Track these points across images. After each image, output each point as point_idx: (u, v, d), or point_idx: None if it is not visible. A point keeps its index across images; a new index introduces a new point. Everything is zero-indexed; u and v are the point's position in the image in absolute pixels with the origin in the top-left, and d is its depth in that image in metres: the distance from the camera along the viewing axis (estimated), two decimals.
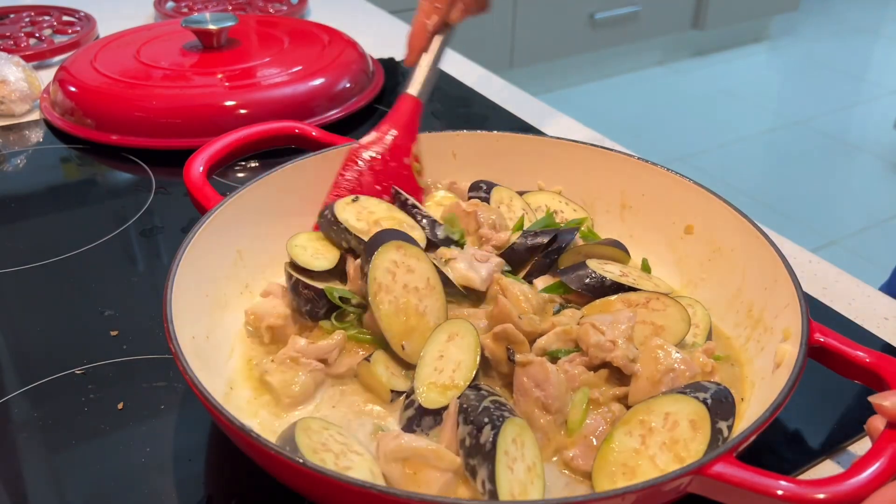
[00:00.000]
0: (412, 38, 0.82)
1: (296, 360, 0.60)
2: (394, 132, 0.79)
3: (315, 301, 0.64)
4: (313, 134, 0.81)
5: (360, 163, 0.77)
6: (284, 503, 0.54)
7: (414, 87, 0.82)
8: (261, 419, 0.58)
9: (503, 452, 0.50)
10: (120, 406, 0.62)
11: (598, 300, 0.65)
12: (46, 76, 1.14)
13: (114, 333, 0.69)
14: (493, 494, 0.48)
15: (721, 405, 0.53)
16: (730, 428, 0.53)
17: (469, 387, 0.56)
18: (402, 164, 0.78)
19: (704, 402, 0.52)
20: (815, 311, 0.71)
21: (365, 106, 1.10)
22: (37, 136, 1.05)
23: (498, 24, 3.02)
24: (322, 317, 0.64)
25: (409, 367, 0.60)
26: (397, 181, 0.77)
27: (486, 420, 0.51)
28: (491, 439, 0.50)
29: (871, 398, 0.50)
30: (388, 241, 0.62)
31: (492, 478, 0.49)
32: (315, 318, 0.64)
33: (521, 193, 0.79)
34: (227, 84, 1.03)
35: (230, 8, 1.47)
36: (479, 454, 0.50)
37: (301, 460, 0.45)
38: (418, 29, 0.81)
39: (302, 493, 0.51)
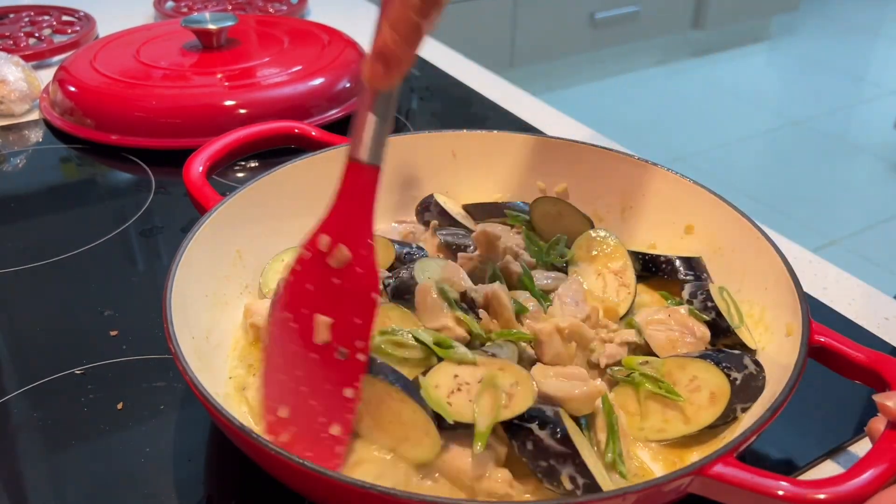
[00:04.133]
0: (393, 44, 0.48)
1: None
2: (345, 252, 0.52)
3: None
4: (313, 134, 0.81)
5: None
6: (284, 503, 0.54)
7: (363, 147, 0.52)
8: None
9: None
10: (120, 406, 0.62)
11: None
12: (46, 76, 1.14)
13: (114, 333, 0.69)
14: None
15: (747, 388, 0.55)
16: (744, 410, 0.54)
17: None
18: (357, 276, 0.52)
19: (733, 381, 0.54)
20: (815, 311, 0.71)
21: None
22: (36, 136, 1.05)
23: (498, 24, 3.02)
24: None
25: None
26: (350, 303, 0.52)
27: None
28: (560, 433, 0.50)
29: (875, 396, 0.50)
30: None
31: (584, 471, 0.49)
32: None
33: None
34: (226, 84, 1.03)
35: (230, 8, 1.47)
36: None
37: (301, 460, 0.45)
38: (408, 30, 0.47)
39: (302, 493, 0.51)
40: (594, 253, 0.71)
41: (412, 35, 0.48)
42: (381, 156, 0.52)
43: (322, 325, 0.51)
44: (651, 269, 0.71)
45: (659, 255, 0.70)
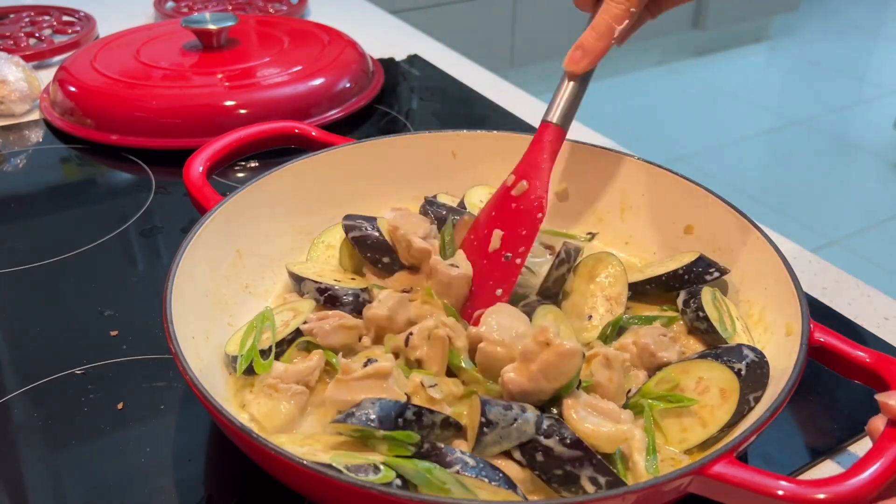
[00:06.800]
0: (591, 40, 0.67)
1: (274, 386, 0.56)
2: (524, 184, 0.67)
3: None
4: (313, 134, 0.81)
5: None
6: (284, 503, 0.54)
7: (556, 111, 0.68)
8: None
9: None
10: (120, 406, 0.62)
11: None
12: (46, 76, 1.14)
13: (114, 333, 0.69)
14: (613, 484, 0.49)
15: (754, 376, 0.54)
16: (757, 399, 0.54)
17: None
18: (533, 219, 0.65)
19: (738, 372, 0.54)
20: (815, 311, 0.71)
21: (365, 106, 1.10)
22: (37, 136, 1.05)
23: (498, 24, 3.02)
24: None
25: None
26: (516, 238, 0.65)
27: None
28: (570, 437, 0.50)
29: (877, 396, 0.50)
30: None
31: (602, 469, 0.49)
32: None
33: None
34: (226, 84, 1.03)
35: (230, 8, 1.48)
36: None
37: (301, 460, 0.45)
38: (605, 30, 0.66)
39: (302, 493, 0.51)
40: (599, 279, 0.68)
41: (606, 33, 0.66)
42: (569, 122, 0.68)
43: (496, 237, 0.66)
44: (674, 286, 0.66)
45: (677, 269, 0.66)
